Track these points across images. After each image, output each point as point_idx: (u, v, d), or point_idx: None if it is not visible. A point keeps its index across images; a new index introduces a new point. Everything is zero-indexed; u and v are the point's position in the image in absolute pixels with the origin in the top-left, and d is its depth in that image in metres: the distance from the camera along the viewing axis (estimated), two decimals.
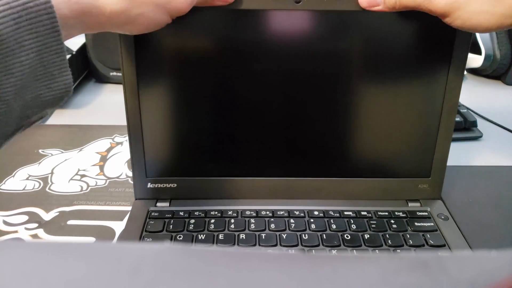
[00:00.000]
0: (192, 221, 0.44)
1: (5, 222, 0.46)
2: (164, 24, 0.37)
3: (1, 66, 0.26)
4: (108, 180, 0.53)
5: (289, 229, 0.43)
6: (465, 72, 0.83)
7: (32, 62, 0.28)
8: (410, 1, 0.37)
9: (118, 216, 0.47)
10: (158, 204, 0.46)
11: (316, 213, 0.45)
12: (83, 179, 0.53)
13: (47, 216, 0.47)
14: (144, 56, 0.42)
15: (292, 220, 0.44)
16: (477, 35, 0.77)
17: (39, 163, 0.56)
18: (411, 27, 0.41)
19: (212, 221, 0.44)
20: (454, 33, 0.41)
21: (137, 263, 0.16)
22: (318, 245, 0.41)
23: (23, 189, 0.51)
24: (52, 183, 0.52)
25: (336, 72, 0.43)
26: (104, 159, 0.57)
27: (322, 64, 0.42)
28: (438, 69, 0.43)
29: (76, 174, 0.54)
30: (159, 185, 0.46)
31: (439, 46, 0.42)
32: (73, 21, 0.30)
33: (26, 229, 0.45)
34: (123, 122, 0.44)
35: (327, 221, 0.44)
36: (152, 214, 0.45)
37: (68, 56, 0.36)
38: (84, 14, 0.31)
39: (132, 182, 0.48)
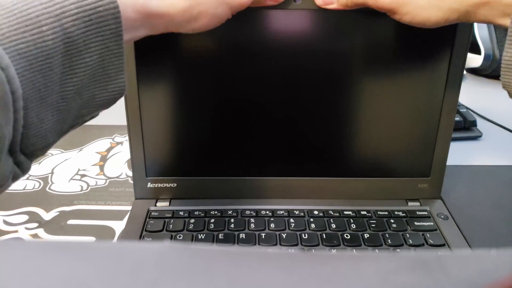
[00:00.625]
0: (192, 220, 0.44)
1: (5, 222, 0.46)
2: (225, 19, 0.37)
3: (68, 66, 0.27)
4: (108, 180, 0.53)
5: (289, 229, 0.43)
6: (465, 72, 0.83)
7: (94, 63, 0.28)
8: None
9: (118, 216, 0.47)
10: (158, 203, 0.46)
11: (316, 212, 0.45)
12: (83, 179, 0.53)
13: (47, 215, 0.47)
14: (144, 56, 0.42)
15: (292, 220, 0.44)
16: (477, 35, 0.77)
17: (39, 163, 0.56)
18: (411, 26, 0.41)
19: (212, 220, 0.44)
20: (454, 33, 0.41)
21: (137, 263, 0.16)
22: (318, 245, 0.41)
23: (23, 189, 0.51)
24: (52, 183, 0.52)
25: (335, 71, 0.43)
26: (104, 159, 0.57)
27: (322, 63, 0.42)
28: (437, 69, 0.43)
29: (76, 174, 0.54)
30: (159, 185, 0.46)
31: (439, 45, 0.42)
32: (138, 23, 0.31)
33: (26, 228, 0.45)
34: (123, 122, 0.44)
35: (327, 220, 0.44)
36: (152, 213, 0.45)
37: (124, 60, 0.36)
38: (149, 16, 0.31)
39: (132, 182, 0.48)
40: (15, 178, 0.27)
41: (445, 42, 0.42)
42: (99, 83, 0.30)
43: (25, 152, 0.27)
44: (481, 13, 0.34)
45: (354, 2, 0.38)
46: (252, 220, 0.44)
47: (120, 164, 0.56)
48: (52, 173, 0.54)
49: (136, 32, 0.31)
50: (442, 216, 0.45)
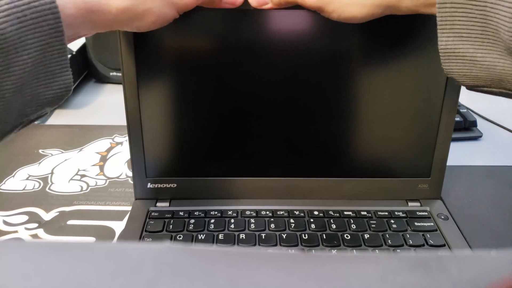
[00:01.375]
0: (192, 221, 0.44)
1: (5, 222, 0.46)
2: (171, 19, 0.37)
3: (3, 64, 0.27)
4: (108, 180, 0.53)
5: (289, 229, 0.43)
6: None
7: (34, 61, 0.28)
8: None
9: (118, 216, 0.47)
10: (158, 204, 0.46)
11: (316, 213, 0.45)
12: (83, 179, 0.53)
13: (47, 216, 0.47)
14: (144, 56, 0.42)
15: (292, 220, 0.44)
16: None
17: (39, 163, 0.56)
18: (411, 26, 0.41)
19: (212, 221, 0.44)
20: None
21: (137, 263, 0.16)
22: (318, 245, 0.41)
23: (23, 189, 0.51)
24: (52, 183, 0.52)
25: (335, 71, 0.43)
26: (104, 159, 0.57)
27: (322, 63, 0.42)
28: (437, 69, 0.43)
29: (76, 174, 0.54)
30: (159, 185, 0.46)
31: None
32: (80, 20, 0.30)
33: (26, 229, 0.45)
34: (123, 122, 0.44)
35: (327, 221, 0.44)
36: (152, 214, 0.45)
37: (68, 56, 0.36)
38: (91, 13, 0.31)
39: (132, 182, 0.48)
40: None
41: None
42: (42, 80, 0.29)
43: None
44: (404, 5, 0.34)
45: (286, 1, 0.38)
46: (252, 220, 0.44)
47: (120, 164, 0.56)
48: (52, 173, 0.54)
49: (78, 28, 0.31)
50: (442, 217, 0.45)
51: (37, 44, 0.28)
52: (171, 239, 0.42)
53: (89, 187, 0.52)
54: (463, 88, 0.44)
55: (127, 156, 0.58)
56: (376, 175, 0.47)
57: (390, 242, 0.42)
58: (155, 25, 0.36)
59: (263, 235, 0.42)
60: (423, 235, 0.43)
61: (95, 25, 0.32)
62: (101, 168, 0.55)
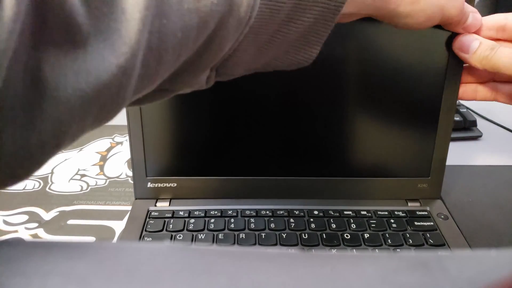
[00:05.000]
0: (192, 220, 0.44)
1: (5, 222, 0.46)
2: (431, 25, 0.35)
3: (290, 17, 0.28)
4: (108, 180, 0.53)
5: (289, 229, 0.43)
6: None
7: (307, 25, 0.29)
8: None
9: (118, 216, 0.47)
10: (158, 203, 0.46)
11: (315, 212, 0.45)
12: (83, 178, 0.53)
13: (47, 215, 0.47)
14: None
15: (292, 220, 0.44)
16: None
17: None
18: (409, 32, 0.41)
19: (212, 220, 0.44)
20: (452, 32, 0.41)
21: (137, 263, 0.16)
22: (317, 245, 0.41)
23: (23, 189, 0.51)
24: (52, 182, 0.52)
25: (335, 72, 0.43)
26: (104, 158, 0.57)
27: (321, 63, 0.42)
28: (435, 68, 0.43)
29: (76, 174, 0.54)
30: (159, 185, 0.46)
31: (437, 44, 0.42)
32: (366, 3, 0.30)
33: (26, 228, 0.45)
34: (123, 122, 0.44)
35: (327, 220, 0.44)
36: (152, 213, 0.45)
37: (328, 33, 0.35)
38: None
39: (132, 182, 0.48)
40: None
41: (443, 41, 0.42)
42: (298, 43, 0.30)
43: (219, 71, 0.30)
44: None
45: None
46: (252, 220, 0.44)
47: (120, 164, 0.56)
48: (52, 173, 0.54)
49: (359, 8, 0.31)
50: (442, 216, 0.45)
51: (317, 12, 0.29)
52: (171, 238, 0.42)
53: (89, 187, 0.52)
54: None
55: (127, 155, 0.58)
56: (376, 175, 0.47)
57: (390, 242, 0.42)
58: (420, 27, 0.34)
59: (263, 234, 0.42)
60: (423, 234, 0.43)
61: (360, 6, 0.31)
62: (101, 167, 0.55)
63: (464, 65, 0.42)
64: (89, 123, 0.23)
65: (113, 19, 0.20)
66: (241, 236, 0.42)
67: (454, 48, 0.40)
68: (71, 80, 0.19)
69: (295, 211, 0.45)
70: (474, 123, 0.63)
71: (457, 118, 0.64)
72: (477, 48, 0.38)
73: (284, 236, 0.42)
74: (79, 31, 0.19)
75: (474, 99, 0.42)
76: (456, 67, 0.42)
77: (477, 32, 0.39)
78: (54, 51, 0.19)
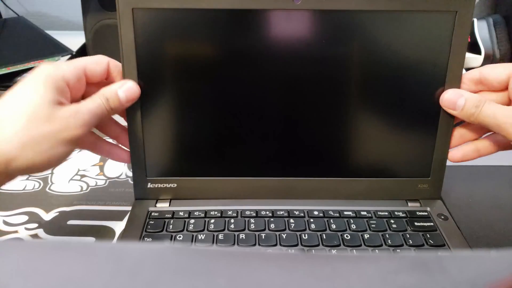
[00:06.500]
0: (192, 221, 0.44)
1: (5, 222, 0.46)
2: (68, 154, 0.37)
3: None
4: (108, 180, 0.53)
5: (289, 229, 0.43)
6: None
7: None
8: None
9: (118, 216, 0.47)
10: (158, 204, 0.46)
11: (316, 213, 0.45)
12: (83, 179, 0.53)
13: (47, 216, 0.47)
14: (145, 56, 0.42)
15: (292, 220, 0.44)
16: (477, 35, 0.77)
17: None
18: (410, 26, 0.42)
19: (212, 221, 0.44)
20: (452, 31, 0.41)
21: (137, 263, 0.16)
22: (318, 245, 0.41)
23: (23, 189, 0.51)
24: (52, 183, 0.52)
25: (335, 72, 0.43)
26: (104, 159, 0.57)
27: (321, 64, 0.42)
28: (436, 68, 0.43)
29: (76, 174, 0.54)
30: (159, 185, 0.46)
31: (437, 44, 0.42)
32: None
33: (26, 229, 0.45)
34: (123, 122, 0.44)
35: (327, 221, 0.44)
36: (152, 214, 0.45)
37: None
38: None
39: (132, 182, 0.48)
40: None
41: (443, 41, 0.42)
42: None
43: None
44: None
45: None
46: (252, 220, 0.44)
47: (120, 164, 0.56)
48: (52, 173, 0.54)
49: None
50: (442, 217, 0.45)
51: None
52: (171, 239, 0.42)
53: (89, 187, 0.52)
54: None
55: None
56: (376, 175, 0.47)
57: (390, 242, 0.42)
58: (50, 165, 0.36)
59: (263, 235, 0.42)
60: (423, 235, 0.43)
61: None
62: (101, 168, 0.55)
63: (461, 123, 0.44)
64: None
65: None
66: (241, 236, 0.42)
67: (442, 105, 0.42)
68: None
69: (295, 212, 0.45)
70: None
71: None
72: (463, 105, 0.40)
73: (284, 236, 0.42)
74: None
75: (478, 157, 0.44)
76: (457, 66, 0.42)
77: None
78: None
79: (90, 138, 0.41)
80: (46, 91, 0.35)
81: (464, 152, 0.44)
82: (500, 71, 0.40)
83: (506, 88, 0.41)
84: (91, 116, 0.37)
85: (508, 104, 0.41)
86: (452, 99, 0.41)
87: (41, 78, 0.35)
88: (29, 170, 0.35)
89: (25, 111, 0.34)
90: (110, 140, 0.44)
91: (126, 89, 0.40)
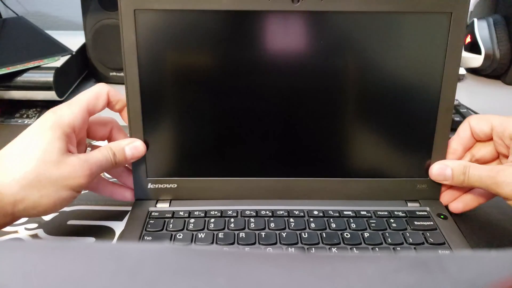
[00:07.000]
0: (192, 220, 0.44)
1: None
2: (72, 199, 0.38)
3: None
4: None
5: (289, 228, 0.43)
6: (465, 72, 0.83)
7: None
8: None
9: (118, 216, 0.47)
10: (158, 204, 0.46)
11: (315, 212, 0.45)
12: None
13: (47, 216, 0.47)
14: (147, 58, 0.42)
15: (291, 220, 0.44)
16: (477, 35, 0.77)
17: None
18: (407, 28, 0.42)
19: (212, 220, 0.44)
20: (447, 32, 0.41)
21: (137, 263, 0.16)
22: (318, 243, 0.42)
23: None
24: None
25: (334, 74, 0.43)
26: None
27: (321, 65, 0.43)
28: (433, 68, 0.43)
29: None
30: (160, 186, 0.46)
31: (434, 45, 0.42)
32: None
33: (26, 229, 0.45)
34: (123, 122, 0.44)
35: (327, 220, 0.44)
36: (152, 214, 0.45)
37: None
38: None
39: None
40: None
41: (439, 41, 0.42)
42: None
43: None
44: None
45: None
46: (252, 220, 0.44)
47: None
48: None
49: None
50: (442, 216, 0.45)
51: None
52: (171, 238, 0.42)
53: None
54: (463, 88, 0.44)
55: None
56: (375, 175, 0.47)
57: (390, 240, 0.42)
58: (55, 209, 0.37)
59: (263, 233, 0.42)
60: (422, 233, 0.43)
61: None
62: None
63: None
64: None
65: None
66: (241, 235, 0.42)
67: (433, 178, 0.45)
68: None
69: (295, 211, 0.45)
70: None
71: (457, 118, 0.64)
72: (452, 175, 0.43)
73: (284, 235, 0.42)
74: None
75: (481, 203, 0.45)
76: (453, 65, 0.43)
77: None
78: None
79: (93, 180, 0.42)
80: (54, 138, 0.36)
81: (465, 203, 0.46)
82: (484, 125, 0.44)
83: (491, 139, 0.44)
84: (97, 167, 0.39)
85: (498, 156, 0.44)
86: (440, 172, 0.44)
87: (48, 125, 0.37)
88: (34, 212, 0.36)
89: (35, 154, 0.35)
90: (113, 179, 0.46)
91: (133, 147, 0.42)
